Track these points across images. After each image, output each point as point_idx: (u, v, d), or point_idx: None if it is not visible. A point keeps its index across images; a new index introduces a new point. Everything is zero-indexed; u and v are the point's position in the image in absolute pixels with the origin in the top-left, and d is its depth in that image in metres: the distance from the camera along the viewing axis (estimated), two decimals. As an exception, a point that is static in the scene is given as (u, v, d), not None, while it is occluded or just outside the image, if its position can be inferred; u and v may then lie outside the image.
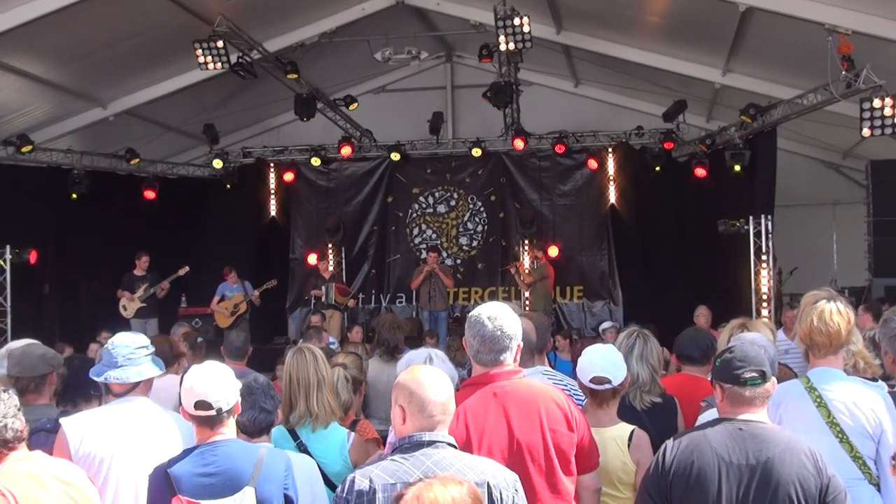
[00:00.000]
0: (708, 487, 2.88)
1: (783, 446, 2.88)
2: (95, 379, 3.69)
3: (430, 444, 2.69)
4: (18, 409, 2.91)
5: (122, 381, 3.64)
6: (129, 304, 12.12)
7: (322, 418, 4.03)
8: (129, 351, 3.67)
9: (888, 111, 9.09)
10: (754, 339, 3.89)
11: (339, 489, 2.76)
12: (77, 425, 3.51)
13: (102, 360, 3.71)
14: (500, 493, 2.66)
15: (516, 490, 2.72)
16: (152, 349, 3.82)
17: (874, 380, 3.63)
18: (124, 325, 11.52)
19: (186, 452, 3.17)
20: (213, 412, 3.12)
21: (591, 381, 3.79)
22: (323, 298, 13.02)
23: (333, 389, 4.19)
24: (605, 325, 9.61)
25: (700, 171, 13.24)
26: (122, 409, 3.63)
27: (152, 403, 3.71)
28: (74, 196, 13.00)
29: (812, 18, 9.03)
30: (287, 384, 4.14)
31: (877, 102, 9.11)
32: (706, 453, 2.92)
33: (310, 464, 3.66)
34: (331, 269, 13.55)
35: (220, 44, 10.33)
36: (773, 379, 3.06)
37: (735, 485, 2.86)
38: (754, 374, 2.96)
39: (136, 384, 3.68)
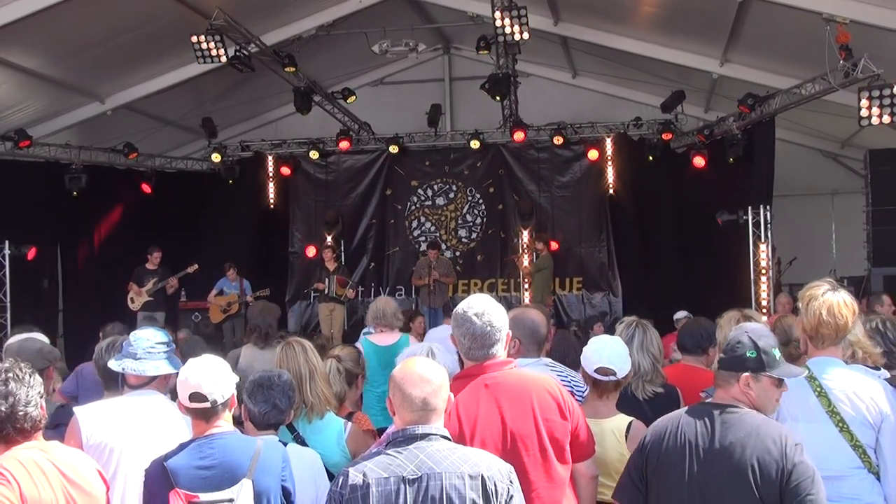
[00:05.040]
0: (673, 468, 2.96)
1: (749, 430, 2.91)
2: (114, 369, 3.74)
3: (424, 436, 2.70)
4: (41, 396, 2.86)
5: (138, 373, 3.69)
6: (137, 298, 12.26)
7: (317, 408, 4.05)
8: (149, 345, 3.73)
9: (887, 101, 9.08)
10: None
11: (333, 483, 2.77)
12: (90, 415, 3.57)
13: (122, 350, 3.78)
14: (495, 485, 2.66)
15: (511, 481, 2.72)
16: (172, 346, 3.87)
17: (876, 368, 3.62)
18: (126, 319, 11.52)
19: (183, 446, 3.18)
20: (207, 404, 3.15)
21: (596, 370, 3.78)
22: (325, 291, 13.01)
23: (327, 378, 4.22)
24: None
25: (698, 162, 13.22)
26: (136, 401, 3.68)
27: (166, 398, 3.76)
28: (75, 193, 12.98)
29: (810, 8, 9.01)
30: None
31: (875, 92, 9.11)
32: (675, 436, 3.00)
33: (314, 458, 3.67)
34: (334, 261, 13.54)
35: (217, 37, 10.30)
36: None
37: (696, 466, 2.93)
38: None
39: (153, 378, 3.73)
